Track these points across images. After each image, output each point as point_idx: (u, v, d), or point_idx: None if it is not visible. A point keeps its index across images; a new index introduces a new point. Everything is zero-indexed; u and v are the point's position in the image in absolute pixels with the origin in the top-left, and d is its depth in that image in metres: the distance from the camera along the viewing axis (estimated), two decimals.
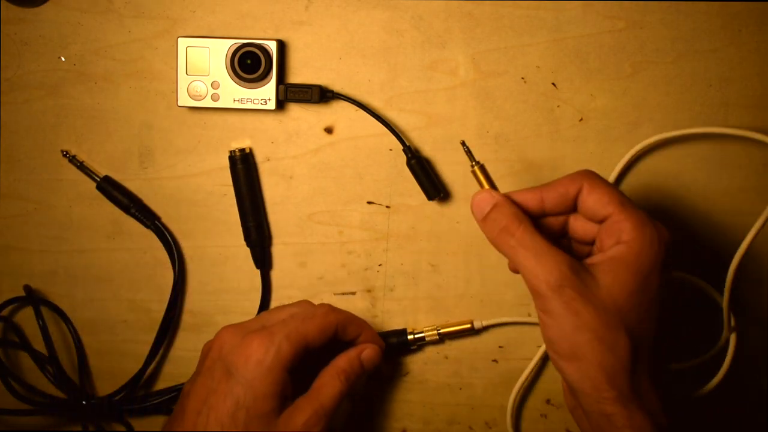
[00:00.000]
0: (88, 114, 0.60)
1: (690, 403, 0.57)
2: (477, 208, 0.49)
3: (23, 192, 0.61)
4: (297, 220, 0.60)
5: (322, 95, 0.58)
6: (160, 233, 0.60)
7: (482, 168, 0.50)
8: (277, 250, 0.61)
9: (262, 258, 0.60)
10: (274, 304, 0.62)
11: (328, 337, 0.53)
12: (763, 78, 0.57)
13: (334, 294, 0.61)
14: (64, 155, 0.60)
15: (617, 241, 0.46)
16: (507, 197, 0.48)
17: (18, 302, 0.61)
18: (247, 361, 0.50)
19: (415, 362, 0.62)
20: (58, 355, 0.62)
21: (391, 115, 0.59)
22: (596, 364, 0.44)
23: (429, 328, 0.60)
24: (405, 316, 0.61)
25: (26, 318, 0.62)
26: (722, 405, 0.59)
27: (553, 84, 0.58)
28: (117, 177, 0.60)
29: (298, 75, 0.59)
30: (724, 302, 0.54)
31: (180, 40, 0.57)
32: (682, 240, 0.58)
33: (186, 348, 0.62)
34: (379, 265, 0.61)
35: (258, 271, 0.61)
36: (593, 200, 0.47)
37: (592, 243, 0.49)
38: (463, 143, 0.51)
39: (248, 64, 0.57)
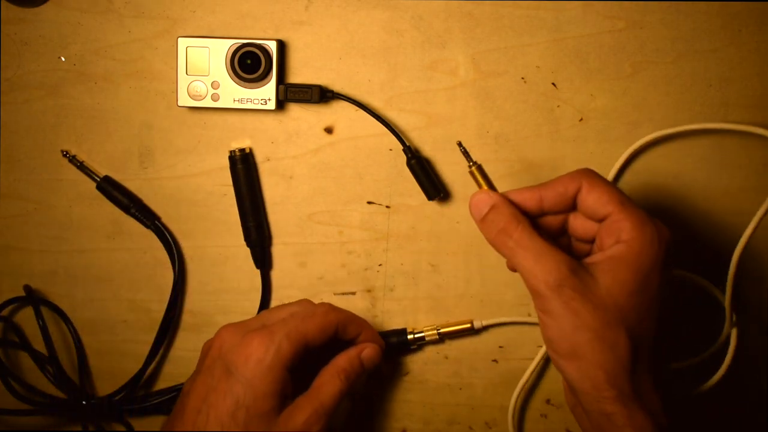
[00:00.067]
0: (88, 114, 0.60)
1: (690, 401, 0.57)
2: (475, 209, 0.49)
3: (23, 192, 0.61)
4: (297, 220, 0.60)
5: (322, 95, 0.58)
6: (160, 233, 0.60)
7: (480, 168, 0.50)
8: (277, 250, 0.61)
9: (262, 258, 0.60)
10: (274, 304, 0.62)
11: (328, 336, 0.53)
12: (763, 78, 0.57)
13: (334, 294, 0.61)
14: (64, 155, 0.60)
15: (617, 240, 0.46)
16: (505, 197, 0.48)
17: (18, 302, 0.61)
18: (247, 360, 0.50)
19: (415, 362, 0.62)
20: (58, 355, 0.62)
21: (391, 115, 0.59)
22: (596, 364, 0.44)
23: (429, 328, 0.60)
24: (405, 316, 0.61)
25: (26, 318, 0.62)
26: (722, 403, 0.59)
27: (553, 84, 0.58)
28: (117, 177, 0.60)
29: (298, 75, 0.59)
30: (727, 294, 0.55)
31: (180, 40, 0.57)
32: (682, 240, 0.58)
33: (186, 348, 0.62)
34: (379, 265, 0.61)
35: (258, 271, 0.61)
36: (593, 199, 0.47)
37: (592, 241, 0.49)
38: (460, 144, 0.51)
39: (248, 64, 0.57)
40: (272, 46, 0.56)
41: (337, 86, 0.58)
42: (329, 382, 0.52)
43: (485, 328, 0.60)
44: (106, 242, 0.61)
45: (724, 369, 0.57)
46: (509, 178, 0.59)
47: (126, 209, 0.60)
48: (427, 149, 0.59)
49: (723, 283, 0.55)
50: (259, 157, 0.60)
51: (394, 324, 0.61)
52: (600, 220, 0.47)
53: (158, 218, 0.61)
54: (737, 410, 0.60)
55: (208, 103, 0.57)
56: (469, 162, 0.50)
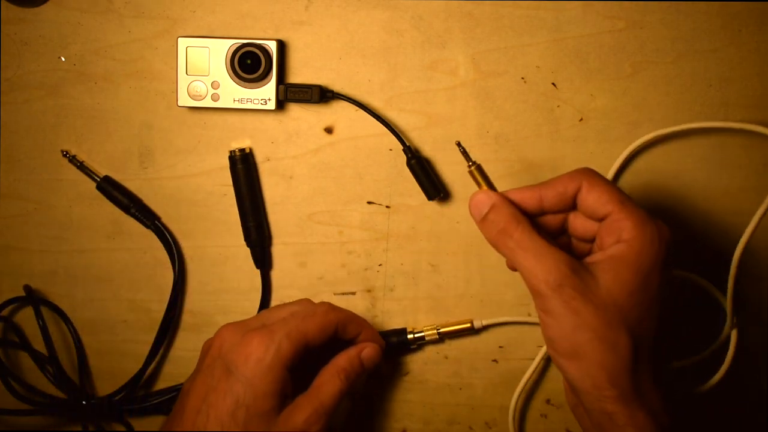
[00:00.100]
0: (88, 114, 0.60)
1: (690, 400, 0.57)
2: (475, 209, 0.49)
3: (23, 192, 0.61)
4: (297, 220, 0.60)
5: (322, 95, 0.58)
6: (160, 233, 0.60)
7: (479, 168, 0.50)
8: (277, 250, 0.61)
9: (262, 258, 0.60)
10: (274, 304, 0.62)
11: (328, 336, 0.53)
12: (763, 78, 0.57)
13: (334, 294, 0.61)
14: (64, 155, 0.60)
15: (617, 240, 0.46)
16: (505, 197, 0.48)
17: (18, 302, 0.61)
18: (247, 360, 0.50)
19: (415, 362, 0.61)
20: (58, 355, 0.62)
21: (391, 115, 0.59)
22: (597, 363, 0.44)
23: (429, 328, 0.60)
24: (405, 316, 0.61)
25: (26, 318, 0.62)
26: (722, 403, 0.59)
27: (553, 84, 0.58)
28: (117, 177, 0.60)
29: (298, 75, 0.59)
30: (727, 295, 0.55)
31: (180, 40, 0.57)
32: (682, 239, 0.58)
33: (186, 348, 0.62)
34: (379, 265, 0.61)
35: (258, 271, 0.61)
36: (593, 198, 0.47)
37: (592, 240, 0.49)
38: (459, 144, 0.51)
39: (248, 64, 0.57)
40: (272, 46, 0.56)
41: (337, 86, 0.58)
42: (329, 381, 0.52)
43: (485, 328, 0.60)
44: (106, 242, 0.61)
45: (724, 369, 0.57)
46: (509, 178, 0.59)
47: (126, 209, 0.60)
48: (427, 149, 0.59)
49: (723, 283, 0.55)
50: (259, 157, 0.60)
51: (394, 324, 0.61)
52: (600, 220, 0.47)
53: (158, 218, 0.61)
54: (737, 410, 0.60)
55: (208, 103, 0.57)
56: (468, 162, 0.50)
